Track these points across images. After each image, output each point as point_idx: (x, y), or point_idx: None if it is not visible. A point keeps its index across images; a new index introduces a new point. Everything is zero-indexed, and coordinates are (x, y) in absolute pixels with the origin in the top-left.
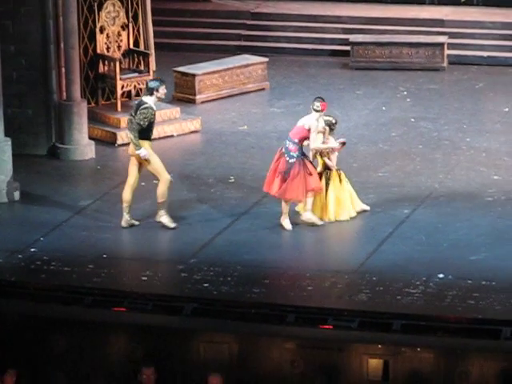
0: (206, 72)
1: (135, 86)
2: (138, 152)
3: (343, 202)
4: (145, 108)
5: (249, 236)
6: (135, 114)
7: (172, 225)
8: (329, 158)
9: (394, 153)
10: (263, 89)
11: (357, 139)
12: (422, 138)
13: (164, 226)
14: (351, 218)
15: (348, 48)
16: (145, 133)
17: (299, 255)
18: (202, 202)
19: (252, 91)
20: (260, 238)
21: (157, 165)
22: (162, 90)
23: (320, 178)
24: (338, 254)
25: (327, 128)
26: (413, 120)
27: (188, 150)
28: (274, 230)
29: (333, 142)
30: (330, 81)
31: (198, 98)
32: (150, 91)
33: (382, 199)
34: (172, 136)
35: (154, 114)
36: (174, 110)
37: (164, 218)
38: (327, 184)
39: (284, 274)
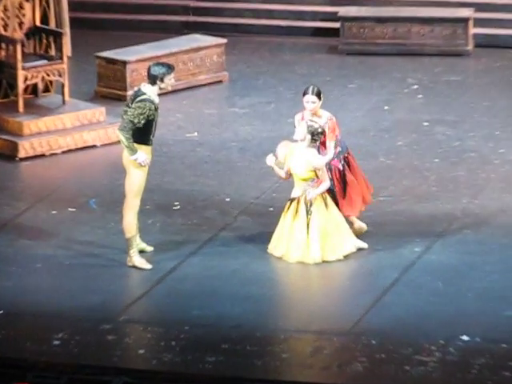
0: (140, 58)
1: (43, 78)
2: (133, 158)
3: (331, 236)
4: (141, 100)
5: (200, 284)
6: (129, 107)
7: (148, 266)
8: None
9: (400, 169)
10: (220, 81)
11: (351, 150)
12: (439, 148)
13: (138, 269)
14: (343, 258)
15: (337, 25)
16: (141, 135)
17: (270, 310)
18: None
19: (205, 85)
20: (216, 287)
21: (138, 183)
22: (169, 81)
23: (297, 204)
24: (325, 308)
25: (308, 136)
26: (426, 124)
27: (116, 165)
28: (236, 274)
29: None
30: (313, 70)
31: (130, 93)
32: (153, 79)
33: (385, 232)
34: (94, 146)
35: (156, 109)
36: (98, 111)
37: (137, 260)
38: (308, 212)
39: (249, 335)
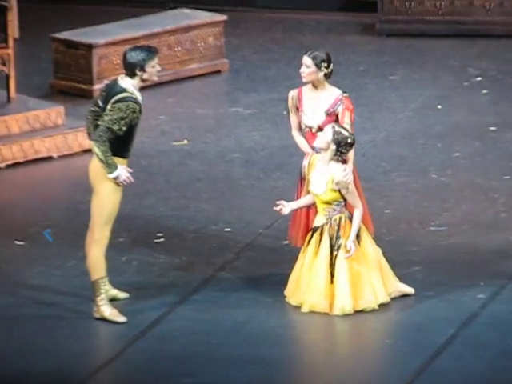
0: (111, 41)
1: None
2: (112, 176)
3: (365, 279)
4: (122, 100)
5: (191, 343)
6: (103, 109)
7: (121, 318)
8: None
9: (457, 188)
10: (218, 71)
11: (390, 164)
12: (511, 161)
13: (109, 322)
14: (379, 308)
15: None
16: (118, 144)
17: (284, 378)
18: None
19: (197, 76)
20: (212, 347)
21: (109, 207)
22: (152, 68)
23: (320, 235)
24: (357, 375)
25: (333, 146)
26: (493, 129)
27: (79, 183)
28: (238, 330)
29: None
30: (341, 57)
31: (98, 88)
32: (131, 69)
33: (438, 274)
34: (50, 158)
35: (139, 111)
36: (54, 112)
37: (106, 310)
38: (333, 246)
39: None
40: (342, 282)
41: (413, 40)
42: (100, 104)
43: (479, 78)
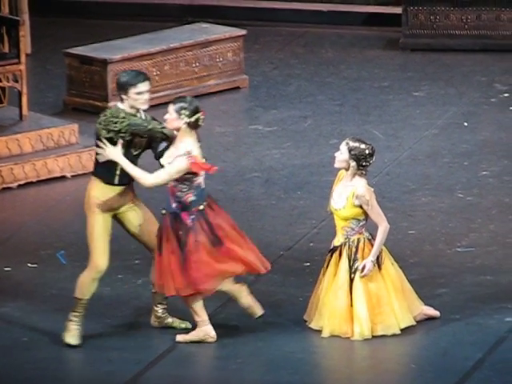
0: (127, 57)
1: None
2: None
3: (385, 303)
4: (111, 114)
5: (209, 367)
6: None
7: (74, 341)
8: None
9: (484, 208)
10: (237, 88)
11: (415, 183)
12: None
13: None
14: (403, 331)
15: (398, 10)
16: (104, 167)
17: None
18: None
19: (216, 93)
20: (231, 372)
21: (93, 237)
22: (136, 95)
23: (339, 256)
24: None
25: (353, 164)
26: None
27: None
28: (257, 355)
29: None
30: (364, 73)
31: (113, 104)
32: (118, 92)
33: (464, 296)
34: (64, 178)
35: (124, 124)
36: (68, 130)
37: (71, 328)
38: (351, 267)
39: None
40: (359, 305)
41: (438, 55)
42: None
43: (507, 94)
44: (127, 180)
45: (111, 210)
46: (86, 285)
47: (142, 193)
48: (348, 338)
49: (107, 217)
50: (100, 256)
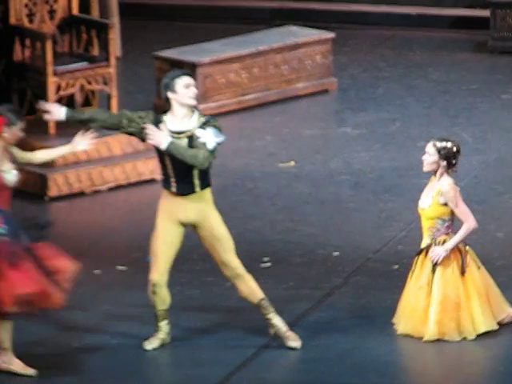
0: (216, 59)
1: (83, 87)
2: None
3: (465, 307)
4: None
5: (295, 371)
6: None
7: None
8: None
9: None
10: (326, 90)
11: (503, 185)
12: None
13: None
14: (491, 334)
15: (486, 13)
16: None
17: None
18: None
19: (305, 95)
20: (319, 375)
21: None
22: (184, 89)
23: (425, 257)
24: None
25: (443, 163)
26: None
27: None
28: (345, 358)
29: None
30: (453, 75)
31: (202, 107)
32: (164, 93)
33: None
34: (153, 181)
35: (143, 119)
36: None
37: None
38: (433, 269)
39: None
40: (432, 308)
41: None
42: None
43: None
44: (187, 190)
45: (175, 218)
46: (150, 297)
47: None
48: (439, 340)
49: (172, 225)
50: (155, 268)
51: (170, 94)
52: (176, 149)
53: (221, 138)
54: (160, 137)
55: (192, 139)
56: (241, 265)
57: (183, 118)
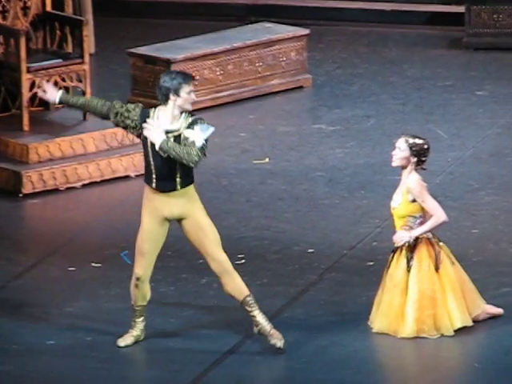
0: (190, 56)
1: (57, 84)
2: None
3: (441, 304)
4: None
5: (272, 367)
6: None
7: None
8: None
9: None
10: (301, 87)
11: (478, 182)
12: None
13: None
14: (466, 330)
15: (461, 9)
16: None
17: None
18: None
19: (279, 92)
20: (295, 371)
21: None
22: (187, 95)
23: (400, 255)
24: None
25: (414, 159)
26: None
27: None
28: (321, 355)
29: None
30: (427, 71)
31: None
32: (164, 94)
33: None
34: (128, 178)
35: (141, 120)
36: None
37: (123, 337)
38: (408, 266)
39: None
40: (408, 305)
41: (501, 54)
42: None
43: None
44: (168, 187)
45: (160, 214)
46: (131, 291)
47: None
48: (395, 336)
49: (157, 222)
50: (140, 263)
51: (171, 96)
52: (171, 146)
53: (209, 132)
54: (156, 133)
55: (179, 139)
56: (228, 260)
57: (174, 118)
